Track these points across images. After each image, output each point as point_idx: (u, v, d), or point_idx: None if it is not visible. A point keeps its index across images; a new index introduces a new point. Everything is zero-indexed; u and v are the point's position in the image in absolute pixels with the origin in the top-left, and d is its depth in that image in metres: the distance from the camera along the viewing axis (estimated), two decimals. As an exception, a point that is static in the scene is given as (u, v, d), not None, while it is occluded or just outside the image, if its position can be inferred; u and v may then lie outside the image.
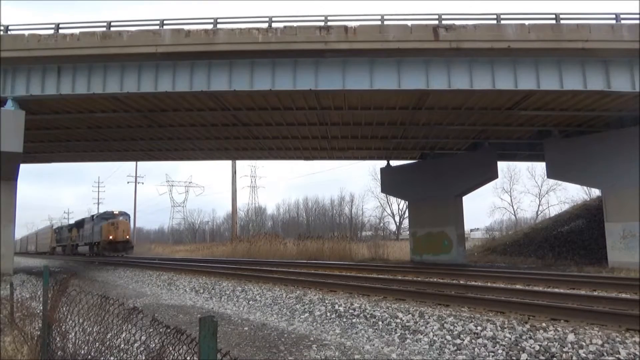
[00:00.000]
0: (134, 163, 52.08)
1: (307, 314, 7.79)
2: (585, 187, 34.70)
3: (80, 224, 41.72)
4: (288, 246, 31.27)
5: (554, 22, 13.35)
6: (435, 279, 11.70)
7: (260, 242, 32.05)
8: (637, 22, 13.14)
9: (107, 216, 35.68)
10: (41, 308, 4.99)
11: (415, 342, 5.77)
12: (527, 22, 13.37)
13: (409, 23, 13.56)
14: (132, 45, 13.96)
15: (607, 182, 16.95)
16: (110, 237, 33.07)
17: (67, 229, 45.95)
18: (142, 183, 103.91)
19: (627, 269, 14.66)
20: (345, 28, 13.54)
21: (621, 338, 4.93)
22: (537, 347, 4.94)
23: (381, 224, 64.85)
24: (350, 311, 7.43)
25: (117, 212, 36.65)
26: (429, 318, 6.44)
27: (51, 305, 4.46)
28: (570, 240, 22.21)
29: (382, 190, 30.30)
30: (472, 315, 6.40)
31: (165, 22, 14.33)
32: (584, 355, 4.66)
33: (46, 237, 54.38)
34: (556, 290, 9.03)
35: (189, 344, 2.32)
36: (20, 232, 78.91)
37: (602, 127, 17.60)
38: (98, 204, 68.95)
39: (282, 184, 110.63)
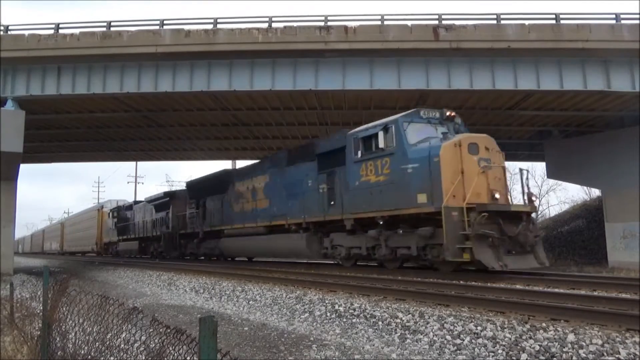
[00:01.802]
0: (134, 163, 51.73)
1: (307, 314, 7.78)
2: (585, 187, 34.62)
3: (220, 179, 17.65)
4: (288, 246, 31.14)
5: (554, 22, 13.37)
6: (435, 279, 11.68)
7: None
8: (637, 22, 13.16)
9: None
10: (41, 308, 4.99)
11: (415, 342, 5.76)
12: (527, 22, 13.39)
13: (409, 23, 13.59)
14: (132, 45, 13.99)
15: (607, 182, 16.95)
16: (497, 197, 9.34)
17: (155, 205, 23.31)
18: (142, 183, 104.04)
19: (627, 269, 14.66)
20: (345, 28, 13.56)
21: (621, 338, 4.92)
22: (537, 347, 4.93)
23: (381, 224, 64.56)
24: (350, 311, 7.42)
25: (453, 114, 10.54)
26: (429, 318, 6.43)
27: (51, 305, 4.46)
28: (570, 240, 22.19)
29: (382, 190, 30.21)
30: (472, 315, 6.39)
31: (165, 22, 14.36)
32: (584, 355, 4.65)
33: (86, 226, 34.73)
34: (556, 290, 9.01)
35: (189, 344, 2.31)
36: (20, 232, 78.85)
37: (602, 127, 17.61)
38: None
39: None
